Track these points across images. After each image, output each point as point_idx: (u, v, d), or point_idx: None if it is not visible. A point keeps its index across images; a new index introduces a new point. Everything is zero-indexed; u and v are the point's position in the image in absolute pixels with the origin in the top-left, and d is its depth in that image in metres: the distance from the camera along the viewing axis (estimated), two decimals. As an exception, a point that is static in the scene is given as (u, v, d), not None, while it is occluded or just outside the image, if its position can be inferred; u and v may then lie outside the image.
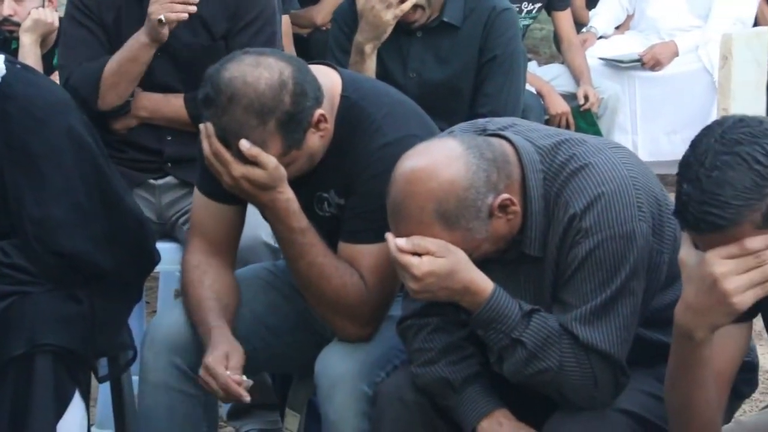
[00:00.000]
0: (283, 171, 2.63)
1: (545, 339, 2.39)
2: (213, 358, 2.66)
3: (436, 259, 2.33)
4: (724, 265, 2.00)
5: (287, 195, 2.65)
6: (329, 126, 2.67)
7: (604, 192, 2.37)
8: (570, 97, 5.64)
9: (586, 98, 5.63)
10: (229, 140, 2.60)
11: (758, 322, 2.40)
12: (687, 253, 2.08)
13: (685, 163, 2.04)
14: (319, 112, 2.63)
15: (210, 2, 3.51)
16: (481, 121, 2.62)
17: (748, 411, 3.60)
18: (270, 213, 2.69)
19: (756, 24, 6.29)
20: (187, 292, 2.83)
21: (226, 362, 2.66)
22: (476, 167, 2.34)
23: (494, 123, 2.57)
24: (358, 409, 2.66)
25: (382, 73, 3.67)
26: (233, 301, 2.83)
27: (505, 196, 2.36)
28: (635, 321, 2.40)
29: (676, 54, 6.11)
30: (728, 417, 2.54)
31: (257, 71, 2.58)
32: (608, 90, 5.81)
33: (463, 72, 3.69)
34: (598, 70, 5.96)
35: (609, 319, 2.37)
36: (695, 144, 2.05)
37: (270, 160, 2.60)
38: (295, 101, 2.59)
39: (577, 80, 5.74)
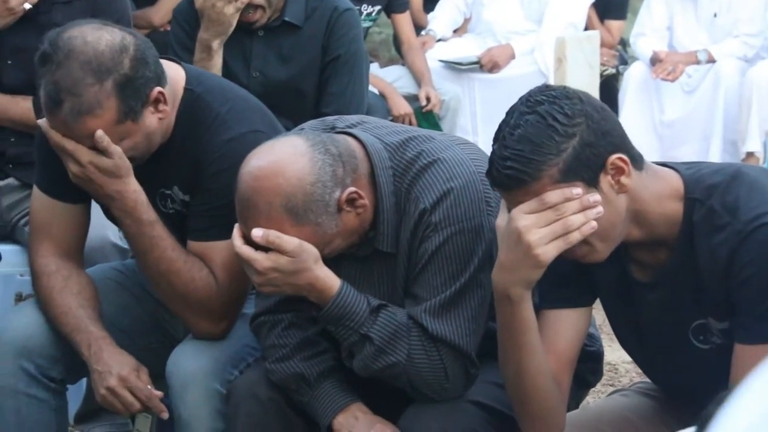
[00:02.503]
0: (128, 162, 2.60)
1: (393, 333, 2.42)
2: (128, 372, 2.66)
3: (280, 256, 2.34)
4: (527, 219, 2.10)
5: (134, 186, 2.63)
6: (168, 109, 2.62)
7: (453, 187, 2.41)
8: (412, 99, 5.71)
9: (428, 99, 5.71)
10: (62, 97, 2.51)
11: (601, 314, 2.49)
12: (501, 218, 2.18)
13: (498, 127, 2.15)
14: (158, 89, 2.58)
15: (64, 8, 3.45)
16: (330, 118, 2.64)
17: (591, 402, 3.70)
18: (118, 205, 2.65)
19: (586, 28, 6.46)
20: (50, 299, 2.77)
21: (137, 375, 2.66)
22: (322, 162, 2.36)
23: (343, 120, 2.60)
24: (212, 407, 2.65)
25: (225, 73, 3.66)
26: (99, 306, 2.80)
27: (352, 189, 2.38)
28: (484, 313, 2.45)
29: (513, 56, 6.24)
30: (575, 405, 2.62)
31: (99, 32, 2.54)
32: (449, 92, 5.89)
33: (306, 71, 3.71)
34: (439, 72, 6.05)
35: (458, 311, 2.42)
36: (508, 111, 2.16)
37: (115, 148, 2.56)
38: (135, 66, 2.54)
39: (418, 82, 5.82)
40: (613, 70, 6.94)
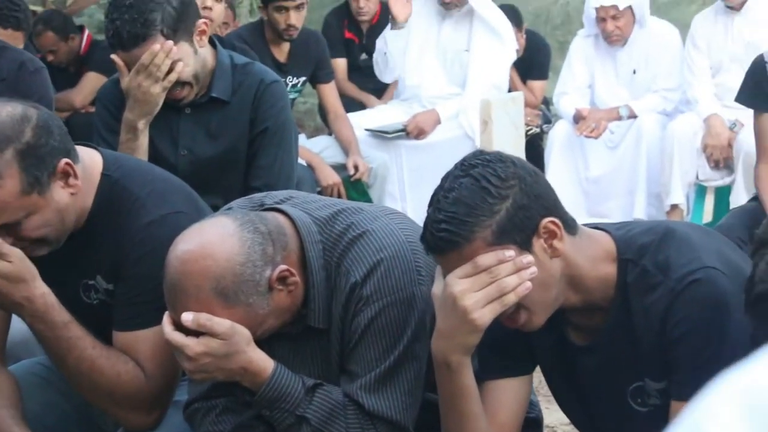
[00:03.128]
0: (31, 266, 2.48)
1: (329, 413, 2.39)
2: None
3: (211, 339, 2.30)
4: (461, 284, 2.11)
5: (42, 289, 2.50)
6: (80, 184, 2.52)
7: (383, 258, 2.40)
8: (340, 168, 5.72)
9: (356, 168, 5.72)
10: None
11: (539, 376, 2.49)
12: (437, 285, 2.18)
13: (434, 192, 2.17)
14: (65, 160, 2.48)
15: None
16: (257, 195, 2.62)
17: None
18: (28, 312, 2.52)
19: (509, 90, 6.54)
20: None
21: None
22: (251, 242, 2.33)
23: (271, 197, 2.58)
24: (148, 497, 2.61)
25: (152, 153, 3.64)
26: (21, 405, 2.70)
27: (283, 267, 2.35)
28: (420, 385, 2.43)
29: (439, 121, 6.28)
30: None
31: (0, 106, 2.46)
32: (377, 159, 5.91)
33: (235, 146, 3.70)
34: (365, 140, 6.07)
35: (394, 385, 2.39)
36: (444, 176, 2.18)
37: (14, 251, 2.45)
38: (37, 134, 2.44)
39: (345, 151, 5.83)
40: (538, 130, 7.02)
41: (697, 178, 6.06)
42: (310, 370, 2.45)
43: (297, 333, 2.46)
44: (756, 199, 4.72)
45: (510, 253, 2.11)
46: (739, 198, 5.75)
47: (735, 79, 5.98)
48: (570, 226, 2.17)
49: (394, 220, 2.52)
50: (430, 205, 2.16)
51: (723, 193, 6.09)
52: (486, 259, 2.10)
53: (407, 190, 6.15)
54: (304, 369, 2.44)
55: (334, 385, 2.43)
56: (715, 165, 5.96)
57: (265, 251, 2.34)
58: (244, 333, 2.34)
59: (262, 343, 2.39)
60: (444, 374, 2.20)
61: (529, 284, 2.11)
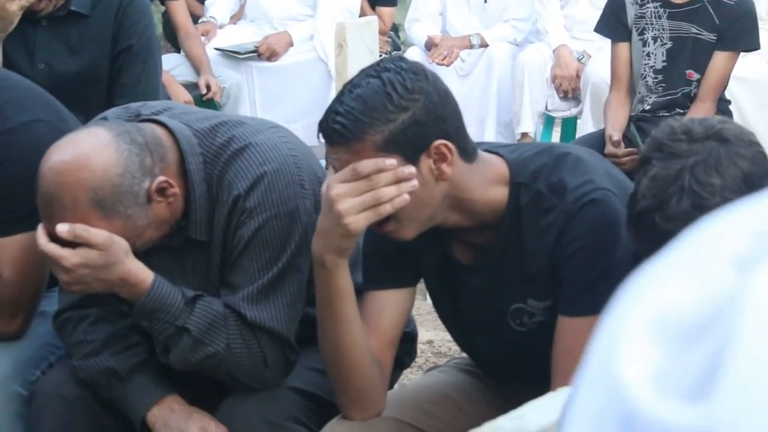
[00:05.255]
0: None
1: (210, 323, 2.37)
2: None
3: (89, 250, 2.26)
4: (340, 187, 2.11)
5: None
6: None
7: (266, 171, 2.38)
8: (191, 87, 5.62)
9: (208, 87, 5.63)
10: None
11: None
12: (325, 184, 2.18)
13: (343, 85, 2.17)
14: None
15: None
16: (134, 105, 2.56)
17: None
18: None
19: (360, 16, 6.50)
20: None
21: None
22: (128, 152, 2.28)
23: (148, 107, 2.52)
24: (12, 411, 2.54)
25: (7, 66, 3.49)
26: None
27: (162, 178, 2.31)
28: (302, 298, 2.43)
29: (291, 44, 6.22)
30: (390, 386, 2.62)
31: None
32: (229, 79, 5.83)
33: (96, 62, 3.58)
34: (217, 60, 5.97)
35: (276, 297, 2.39)
36: (358, 72, 2.18)
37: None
38: None
39: (197, 69, 5.73)
40: (387, 56, 7.00)
41: (546, 108, 6.15)
42: (191, 282, 2.42)
43: (177, 245, 2.42)
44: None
45: (391, 161, 2.10)
46: (586, 128, 5.85)
47: (583, 11, 6.09)
48: (468, 154, 2.18)
49: (277, 133, 2.49)
50: (337, 95, 2.17)
51: (570, 124, 6.20)
52: (365, 165, 2.10)
53: (259, 112, 6.08)
54: (185, 281, 2.41)
55: (215, 297, 2.40)
56: (564, 95, 6.06)
57: (143, 162, 2.30)
58: (122, 244, 2.29)
59: (141, 255, 2.35)
60: (320, 273, 2.20)
61: (406, 197, 2.11)
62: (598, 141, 4.74)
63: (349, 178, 2.10)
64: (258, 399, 2.40)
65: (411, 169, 2.11)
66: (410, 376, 3.63)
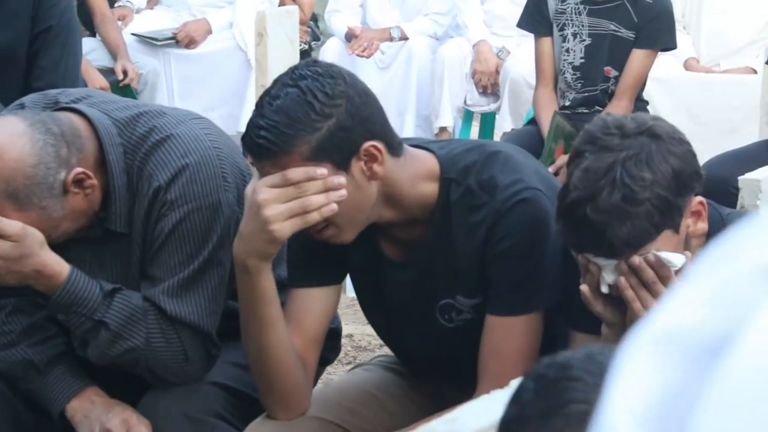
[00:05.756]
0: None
1: (129, 317, 2.33)
2: None
3: (2, 242, 2.21)
4: (268, 192, 2.08)
5: None
6: None
7: (188, 163, 2.34)
8: (107, 72, 5.54)
9: (125, 73, 5.55)
10: None
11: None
12: (250, 186, 2.16)
13: (261, 95, 2.14)
14: None
15: None
16: (52, 92, 2.50)
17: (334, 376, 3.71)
18: None
19: (280, 5, 6.46)
20: None
21: None
22: (43, 143, 2.23)
23: (67, 95, 2.47)
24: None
25: None
26: None
27: (79, 170, 2.26)
28: (223, 292, 2.39)
29: (210, 31, 6.15)
30: (314, 382, 2.60)
31: None
32: (146, 65, 5.76)
33: (13, 43, 3.50)
34: (133, 46, 5.90)
35: (197, 290, 2.35)
36: (274, 79, 2.14)
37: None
38: None
39: (113, 55, 5.65)
40: (306, 46, 6.96)
41: (465, 102, 6.16)
42: (110, 275, 2.38)
43: (96, 237, 2.38)
44: (533, 122, 4.84)
45: (322, 171, 2.08)
46: (505, 123, 5.88)
47: (503, 8, 6.10)
48: (395, 148, 2.16)
49: (199, 125, 2.45)
50: (255, 108, 2.12)
51: (489, 119, 6.21)
52: (295, 173, 2.07)
53: (177, 100, 6.00)
54: (104, 274, 2.37)
55: (135, 291, 2.36)
56: (483, 90, 6.07)
57: (58, 153, 2.25)
58: (36, 235, 2.24)
59: (59, 247, 2.30)
60: (243, 277, 2.18)
61: (334, 206, 2.09)
62: (529, 137, 4.73)
63: (278, 183, 2.08)
64: (179, 393, 2.37)
65: (341, 179, 2.09)
66: (330, 370, 3.60)
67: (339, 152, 2.09)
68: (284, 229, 2.09)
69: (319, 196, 2.08)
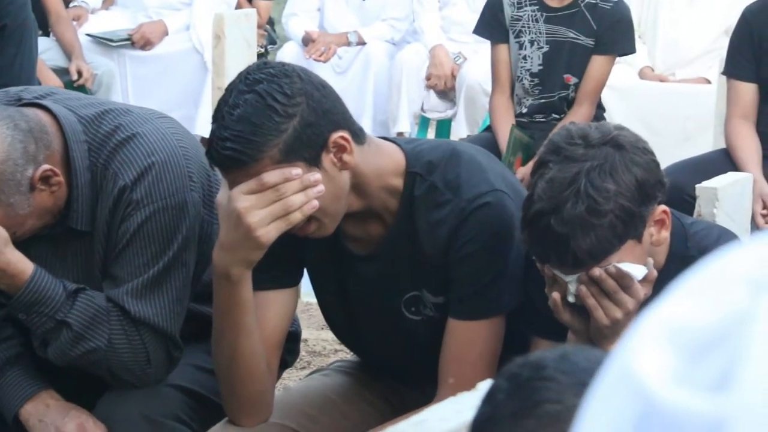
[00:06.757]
0: None
1: (92, 318, 2.30)
2: None
3: None
4: (247, 200, 2.06)
5: None
6: None
7: (154, 162, 2.31)
8: (62, 72, 5.50)
9: (80, 74, 5.51)
10: None
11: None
12: (222, 194, 2.13)
13: (217, 105, 2.10)
14: None
15: None
16: (14, 89, 2.47)
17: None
18: None
19: (237, 8, 6.43)
20: None
21: None
22: (11, 139, 2.20)
23: (30, 92, 2.44)
24: None
25: None
26: None
27: (47, 167, 2.24)
28: (187, 294, 2.37)
29: (166, 33, 6.12)
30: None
31: None
32: (101, 66, 5.72)
33: None
34: (88, 47, 5.85)
35: (161, 292, 2.33)
36: (227, 88, 2.11)
37: None
38: None
39: (68, 55, 5.60)
40: (263, 50, 6.95)
41: (422, 109, 6.17)
42: (71, 273, 2.35)
43: (58, 235, 2.35)
44: (489, 129, 4.85)
45: (297, 171, 2.06)
46: (460, 129, 5.89)
47: (460, 13, 6.12)
48: (358, 136, 2.15)
49: (165, 123, 2.43)
50: (215, 119, 2.09)
51: (444, 125, 6.22)
52: (272, 176, 2.06)
53: (132, 101, 5.95)
54: (65, 272, 2.34)
55: (96, 290, 2.33)
56: (439, 94, 6.08)
57: (26, 149, 2.22)
58: (1, 233, 2.22)
59: (20, 244, 2.27)
60: (223, 286, 2.15)
61: (315, 203, 2.08)
62: (485, 145, 4.74)
63: (254, 189, 2.06)
64: (138, 395, 2.35)
65: (316, 175, 2.08)
66: (284, 375, 3.59)
67: (308, 149, 2.08)
68: (269, 233, 2.07)
69: (298, 196, 2.07)
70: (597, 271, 2.02)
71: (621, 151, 2.04)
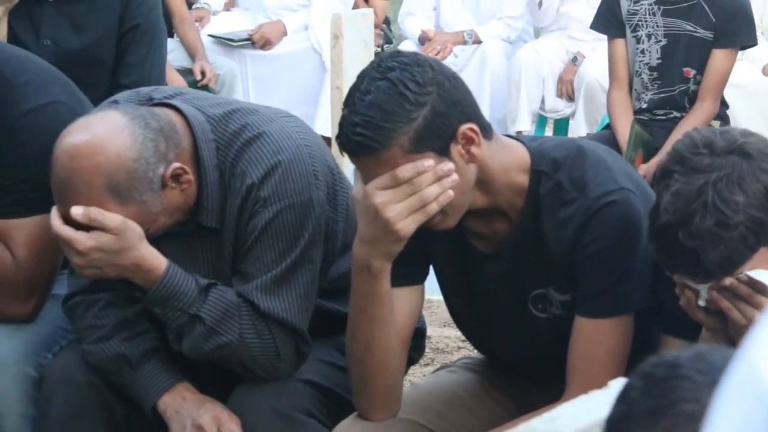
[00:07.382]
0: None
1: (224, 312, 2.35)
2: None
3: (103, 234, 2.24)
4: (383, 195, 2.07)
5: None
6: None
7: (280, 161, 2.35)
8: (186, 72, 5.60)
9: (203, 74, 5.60)
10: None
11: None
12: (357, 189, 2.14)
13: (348, 91, 2.11)
14: None
15: None
16: (145, 90, 2.53)
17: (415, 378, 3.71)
18: None
19: (354, 7, 6.48)
20: None
21: None
22: (143, 137, 2.26)
23: (160, 92, 2.50)
24: (22, 392, 2.51)
25: (14, 43, 3.46)
26: None
27: (177, 165, 2.29)
28: (315, 289, 2.40)
29: (285, 33, 6.19)
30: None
31: None
32: (224, 66, 5.81)
33: (102, 41, 3.54)
34: (210, 47, 5.96)
35: (290, 287, 2.36)
36: (359, 75, 2.12)
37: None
38: None
39: (192, 55, 5.71)
40: (379, 49, 6.99)
41: (542, 107, 6.15)
42: (201, 269, 2.40)
43: (189, 232, 2.40)
44: (608, 126, 4.81)
45: (429, 162, 2.07)
46: (579, 128, 5.85)
47: (579, 9, 6.08)
48: (486, 130, 2.15)
49: (290, 122, 2.47)
50: (346, 105, 2.10)
51: (562, 124, 6.19)
52: (405, 171, 2.06)
53: (252, 100, 6.03)
54: (195, 269, 2.39)
55: (227, 286, 2.38)
56: (561, 95, 6.06)
57: (157, 148, 2.28)
58: (136, 229, 2.28)
59: (152, 241, 2.33)
60: (364, 278, 2.17)
61: (450, 193, 2.08)
62: (605, 143, 4.70)
63: (389, 184, 2.07)
64: (269, 390, 2.38)
65: (449, 165, 2.08)
66: (409, 372, 3.62)
67: (438, 139, 2.08)
68: (408, 226, 2.09)
69: (434, 187, 2.07)
70: (728, 281, 2.00)
71: (748, 159, 2.00)
